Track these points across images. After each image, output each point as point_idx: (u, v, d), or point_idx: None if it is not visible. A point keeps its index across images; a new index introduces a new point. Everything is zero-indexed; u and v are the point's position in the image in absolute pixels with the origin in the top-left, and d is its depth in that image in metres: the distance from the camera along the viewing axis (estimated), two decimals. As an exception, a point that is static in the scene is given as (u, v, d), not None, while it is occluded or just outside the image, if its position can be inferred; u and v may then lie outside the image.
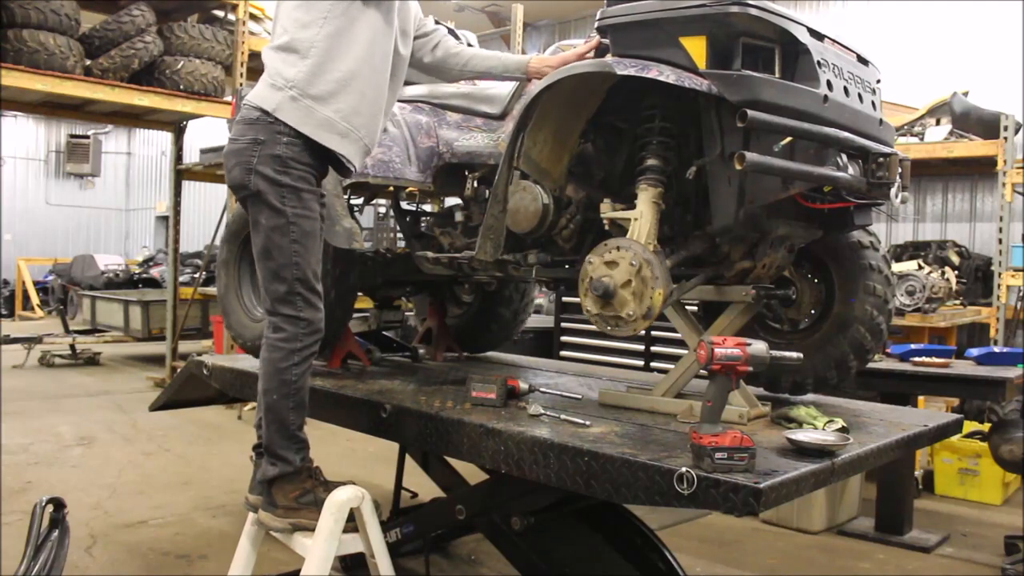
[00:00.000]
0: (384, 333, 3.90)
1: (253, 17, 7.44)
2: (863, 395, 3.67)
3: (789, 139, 2.14)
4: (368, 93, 2.46)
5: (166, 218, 9.73)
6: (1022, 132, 6.36)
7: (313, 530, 2.36)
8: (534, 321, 5.90)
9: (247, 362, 3.43)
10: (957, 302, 6.04)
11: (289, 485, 2.43)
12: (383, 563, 2.46)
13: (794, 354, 2.14)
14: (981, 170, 6.89)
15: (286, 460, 2.41)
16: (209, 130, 10.12)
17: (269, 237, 2.37)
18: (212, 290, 8.22)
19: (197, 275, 9.26)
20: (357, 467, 5.13)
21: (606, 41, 2.46)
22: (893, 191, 2.27)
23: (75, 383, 8.38)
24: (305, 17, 2.37)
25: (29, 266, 15.47)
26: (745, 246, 2.48)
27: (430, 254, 3.10)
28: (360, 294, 3.66)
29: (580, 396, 2.79)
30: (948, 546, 4.22)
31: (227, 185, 2.50)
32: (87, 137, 18.21)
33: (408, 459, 3.79)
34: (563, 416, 2.42)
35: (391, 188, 3.28)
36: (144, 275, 12.86)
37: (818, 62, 2.21)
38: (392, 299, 3.94)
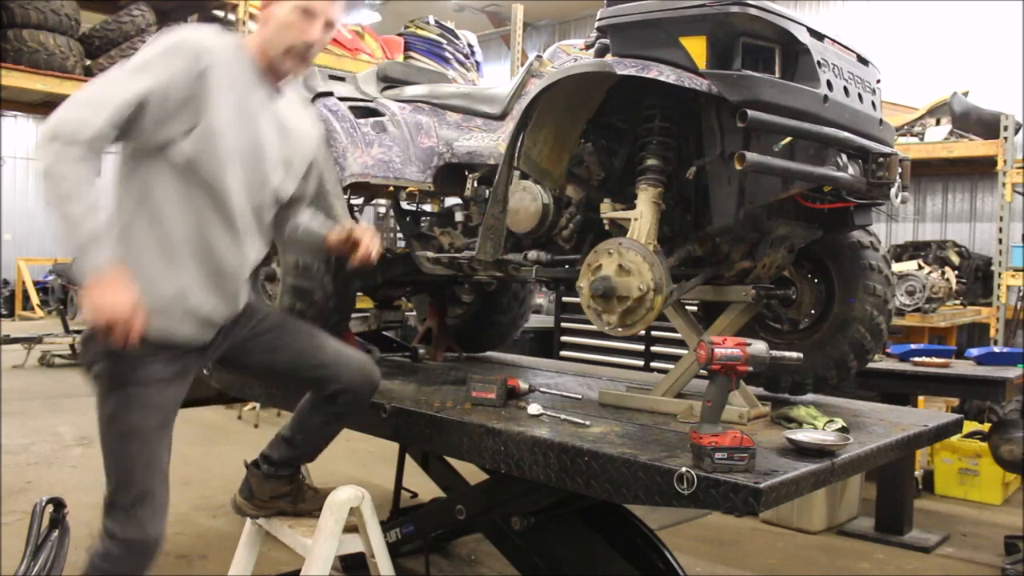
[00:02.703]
0: (384, 333, 3.90)
1: (253, 17, 7.43)
2: (863, 395, 3.66)
3: (789, 139, 2.14)
4: None
5: (166, 218, 9.71)
6: (1022, 132, 6.36)
7: (287, 513, 2.47)
8: (534, 321, 5.89)
9: (247, 362, 3.42)
10: (957, 302, 6.04)
11: (269, 485, 2.54)
12: (383, 563, 2.46)
13: (794, 354, 2.14)
14: (981, 170, 6.89)
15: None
16: (209, 130, 10.10)
17: None
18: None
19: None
20: (357, 467, 5.13)
21: (605, 41, 2.46)
22: (893, 191, 2.27)
23: (75, 383, 8.37)
24: None
25: (29, 266, 15.45)
26: (745, 246, 2.48)
27: (430, 254, 3.10)
28: (360, 294, 3.66)
29: (580, 396, 2.79)
30: (948, 546, 4.22)
31: None
32: (87, 137, 18.18)
33: (408, 459, 3.79)
34: (563, 416, 2.42)
35: (391, 188, 3.28)
36: (144, 275, 12.84)
37: (818, 62, 2.20)
38: (392, 299, 3.93)
